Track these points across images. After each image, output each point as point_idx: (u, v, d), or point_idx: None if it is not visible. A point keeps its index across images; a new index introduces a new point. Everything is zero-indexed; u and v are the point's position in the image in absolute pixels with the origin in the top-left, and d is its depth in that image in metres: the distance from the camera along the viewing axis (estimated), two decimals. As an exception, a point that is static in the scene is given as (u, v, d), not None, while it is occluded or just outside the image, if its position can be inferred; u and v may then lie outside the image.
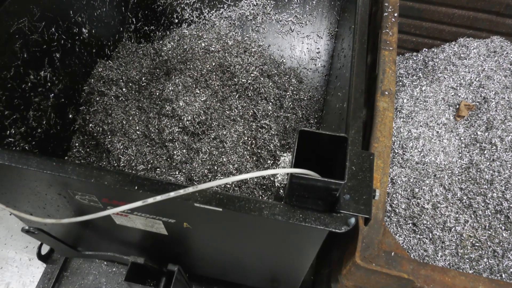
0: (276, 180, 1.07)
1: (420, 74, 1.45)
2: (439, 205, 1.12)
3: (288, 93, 1.25)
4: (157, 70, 1.24)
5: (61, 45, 1.05)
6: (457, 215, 1.11)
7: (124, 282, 1.09)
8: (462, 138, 1.24)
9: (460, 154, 1.21)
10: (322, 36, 1.41)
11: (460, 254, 1.07)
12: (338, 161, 0.60)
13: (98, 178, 0.67)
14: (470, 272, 1.05)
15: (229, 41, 1.28)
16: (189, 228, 0.83)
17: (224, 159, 1.07)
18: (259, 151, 1.11)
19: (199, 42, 1.26)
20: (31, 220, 0.58)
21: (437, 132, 1.25)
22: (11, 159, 0.67)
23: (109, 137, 1.12)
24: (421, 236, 1.10)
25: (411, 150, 1.20)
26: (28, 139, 0.98)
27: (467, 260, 1.06)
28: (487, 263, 1.05)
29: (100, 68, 1.21)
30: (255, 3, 1.43)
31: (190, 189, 0.50)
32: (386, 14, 1.09)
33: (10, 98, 0.90)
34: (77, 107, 1.17)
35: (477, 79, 1.35)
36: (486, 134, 1.21)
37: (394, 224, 1.13)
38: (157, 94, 1.16)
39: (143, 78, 1.22)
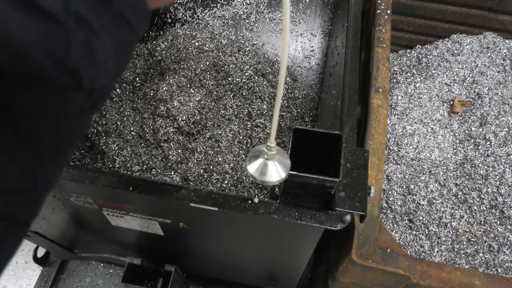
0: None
1: (414, 70, 1.45)
2: (434, 201, 1.13)
3: (282, 92, 1.25)
4: (151, 71, 1.23)
5: (53, 46, 1.04)
6: (452, 211, 1.11)
7: (121, 284, 1.09)
8: (456, 134, 1.25)
9: (455, 150, 1.22)
10: (315, 34, 1.41)
11: (456, 249, 1.08)
12: (333, 159, 0.60)
13: (93, 179, 0.67)
14: (466, 267, 1.06)
15: (223, 40, 1.28)
16: (186, 228, 0.82)
17: (220, 159, 1.07)
18: (254, 150, 1.10)
19: (192, 41, 1.25)
20: None
21: (432, 128, 1.26)
22: (5, 161, 0.67)
23: (104, 138, 1.12)
24: (417, 232, 1.11)
25: (406, 147, 1.21)
26: (22, 141, 0.97)
27: (463, 255, 1.07)
28: (482, 258, 1.06)
29: (93, 69, 1.20)
30: (248, 2, 1.43)
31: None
32: (379, 11, 1.10)
33: (2, 100, 0.90)
34: (71, 109, 1.16)
35: (470, 75, 1.36)
36: (480, 129, 1.21)
37: (390, 221, 1.14)
38: (151, 94, 1.15)
39: (137, 79, 1.22)
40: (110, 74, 0.30)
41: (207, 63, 1.19)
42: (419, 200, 1.13)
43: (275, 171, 0.49)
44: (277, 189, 1.07)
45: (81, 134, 0.32)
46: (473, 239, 1.08)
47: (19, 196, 0.27)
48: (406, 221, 1.13)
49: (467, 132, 1.24)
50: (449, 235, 1.09)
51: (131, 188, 0.66)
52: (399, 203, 1.14)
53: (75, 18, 0.26)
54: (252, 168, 0.49)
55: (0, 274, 0.28)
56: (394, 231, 1.12)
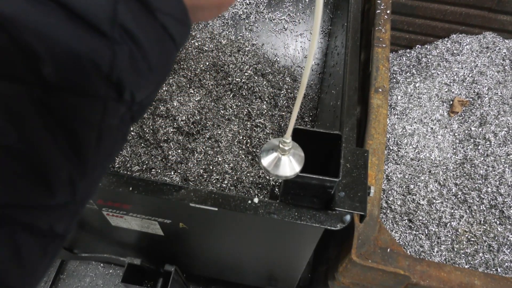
0: (271, 178, 1.07)
1: (413, 70, 1.45)
2: (434, 201, 1.13)
3: (282, 92, 1.25)
4: (151, 71, 1.23)
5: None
6: (452, 211, 1.11)
7: (121, 284, 1.09)
8: (456, 134, 1.25)
9: (455, 150, 1.22)
10: (315, 34, 1.41)
11: (456, 249, 1.08)
12: (333, 159, 0.60)
13: (93, 179, 0.67)
14: (466, 267, 1.06)
15: (222, 40, 1.28)
16: (185, 228, 0.82)
17: (220, 159, 1.07)
18: (254, 150, 1.11)
19: (192, 41, 1.25)
20: None
21: (432, 128, 1.26)
22: (4, 162, 0.67)
23: (104, 138, 1.12)
24: (417, 232, 1.11)
25: (406, 147, 1.21)
26: (22, 141, 0.97)
27: (463, 255, 1.07)
28: (482, 257, 1.06)
29: (93, 69, 1.20)
30: (248, 2, 1.43)
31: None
32: (378, 11, 1.10)
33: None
34: (71, 109, 1.16)
35: (470, 75, 1.36)
36: (480, 129, 1.21)
37: (390, 221, 1.14)
38: (151, 94, 1.15)
39: (137, 79, 1.22)
40: (151, 87, 0.30)
41: (207, 63, 1.19)
42: (419, 200, 1.13)
43: (289, 165, 0.48)
44: (277, 189, 1.07)
45: (119, 146, 0.31)
46: (473, 239, 1.08)
47: (59, 211, 0.27)
48: (406, 221, 1.13)
49: (466, 132, 1.24)
50: (449, 235, 1.09)
51: (131, 188, 0.66)
52: (399, 203, 1.14)
53: (120, 30, 0.25)
54: (266, 161, 0.48)
55: None
56: (394, 231, 1.12)
